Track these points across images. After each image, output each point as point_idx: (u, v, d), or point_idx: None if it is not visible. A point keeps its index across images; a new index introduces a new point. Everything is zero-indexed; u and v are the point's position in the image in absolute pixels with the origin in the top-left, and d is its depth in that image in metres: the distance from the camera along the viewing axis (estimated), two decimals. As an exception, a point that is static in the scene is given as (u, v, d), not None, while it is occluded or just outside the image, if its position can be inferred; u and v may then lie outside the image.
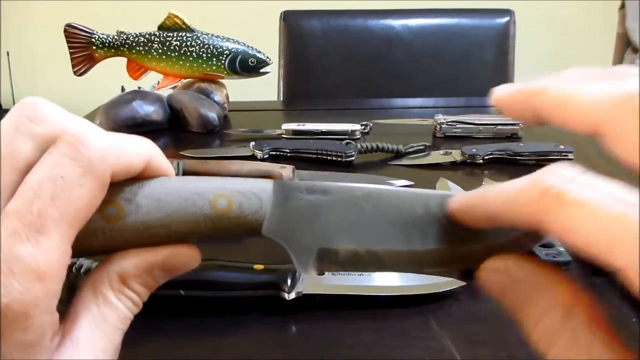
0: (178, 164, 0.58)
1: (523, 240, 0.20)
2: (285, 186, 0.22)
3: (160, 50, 0.84)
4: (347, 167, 0.66)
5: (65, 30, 0.84)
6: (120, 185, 0.21)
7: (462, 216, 0.20)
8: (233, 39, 0.85)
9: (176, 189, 0.21)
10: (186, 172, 0.58)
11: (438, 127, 0.77)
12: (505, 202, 0.17)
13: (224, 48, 0.84)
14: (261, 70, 0.86)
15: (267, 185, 0.22)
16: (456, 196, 0.20)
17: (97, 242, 0.20)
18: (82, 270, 0.37)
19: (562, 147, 0.65)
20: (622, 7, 1.92)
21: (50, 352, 0.18)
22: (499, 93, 0.20)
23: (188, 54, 0.84)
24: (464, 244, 0.21)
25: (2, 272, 0.16)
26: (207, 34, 0.85)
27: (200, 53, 0.84)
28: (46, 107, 0.19)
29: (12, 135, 0.18)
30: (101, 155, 0.19)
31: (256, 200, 0.21)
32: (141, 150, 0.21)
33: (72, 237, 0.18)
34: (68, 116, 0.20)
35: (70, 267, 0.19)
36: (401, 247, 0.21)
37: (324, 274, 0.39)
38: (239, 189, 0.21)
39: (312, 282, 0.38)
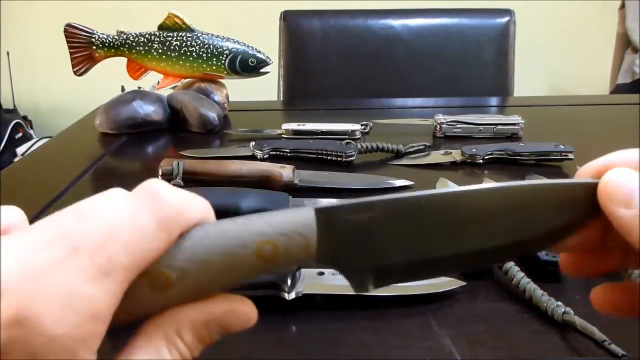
0: (178, 164, 0.58)
1: (578, 223, 0.22)
2: (328, 212, 0.21)
3: (160, 50, 0.84)
4: (347, 167, 0.66)
5: (65, 30, 0.84)
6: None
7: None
8: (233, 39, 0.85)
9: (218, 244, 0.20)
10: (186, 172, 0.58)
11: (438, 127, 0.77)
12: None
13: (224, 48, 0.84)
14: (261, 70, 0.86)
15: (309, 216, 0.20)
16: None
17: (148, 311, 0.20)
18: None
19: (562, 147, 0.65)
20: (622, 7, 1.92)
21: None
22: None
23: (188, 54, 0.84)
24: (524, 234, 0.21)
25: (63, 304, 0.16)
26: (207, 34, 0.85)
27: (200, 53, 0.84)
28: (165, 188, 0.20)
29: (108, 197, 0.19)
30: (177, 214, 0.19)
31: (301, 240, 0.20)
32: (203, 210, 0.21)
33: (127, 286, 0.18)
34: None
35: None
36: (456, 249, 0.21)
37: (323, 273, 0.40)
38: (282, 230, 0.20)
39: (312, 282, 0.38)
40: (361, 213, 0.21)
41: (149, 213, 0.19)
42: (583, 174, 0.23)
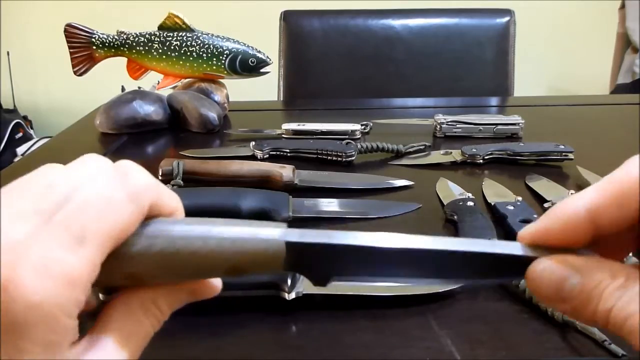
0: (178, 164, 0.58)
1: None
2: (298, 247, 0.22)
3: (160, 50, 0.84)
4: (347, 167, 0.66)
5: (65, 30, 0.84)
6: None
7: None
8: (233, 39, 0.85)
9: (186, 262, 0.21)
10: (186, 172, 0.58)
11: (438, 127, 0.77)
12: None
13: (224, 48, 0.84)
14: (261, 70, 0.86)
15: (279, 246, 0.21)
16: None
17: (112, 278, 0.21)
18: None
19: (562, 147, 0.65)
20: (622, 7, 1.92)
21: (76, 356, 0.19)
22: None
23: (188, 53, 0.84)
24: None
25: (40, 272, 0.17)
26: (207, 34, 0.85)
27: (201, 53, 0.84)
28: (102, 159, 0.22)
29: (72, 170, 0.21)
30: (143, 188, 0.21)
31: (270, 260, 0.22)
32: (172, 201, 0.23)
33: (105, 255, 0.19)
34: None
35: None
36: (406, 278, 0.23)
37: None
38: (251, 260, 0.21)
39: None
40: (328, 249, 0.22)
41: (118, 185, 0.20)
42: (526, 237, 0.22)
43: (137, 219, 0.20)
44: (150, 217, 0.21)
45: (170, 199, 0.23)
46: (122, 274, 0.21)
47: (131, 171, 0.21)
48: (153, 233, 0.21)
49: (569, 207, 0.20)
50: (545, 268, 0.20)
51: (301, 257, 0.22)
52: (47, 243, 0.18)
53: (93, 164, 0.21)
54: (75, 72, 0.86)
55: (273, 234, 0.21)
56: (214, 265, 0.21)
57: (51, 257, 0.18)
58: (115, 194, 0.20)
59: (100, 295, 0.23)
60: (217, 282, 0.24)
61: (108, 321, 0.21)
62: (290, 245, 0.21)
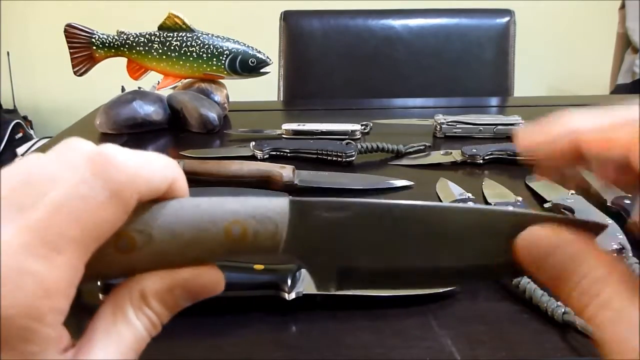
0: (178, 164, 0.58)
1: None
2: (302, 204, 0.21)
3: (160, 51, 0.84)
4: (347, 167, 0.66)
5: (65, 30, 0.84)
6: (132, 215, 0.20)
7: (545, 150, 0.21)
8: (233, 39, 0.85)
9: (189, 217, 0.20)
10: (186, 172, 0.58)
11: (438, 127, 0.77)
12: (600, 132, 0.19)
13: (224, 48, 0.84)
14: (261, 70, 0.86)
15: (282, 205, 0.21)
16: (539, 127, 0.21)
17: (112, 271, 0.20)
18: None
19: (562, 147, 0.65)
20: (622, 7, 1.92)
21: None
22: (524, 138, 0.21)
23: (188, 54, 0.84)
24: (494, 257, 0.21)
25: (12, 284, 0.16)
26: (207, 34, 0.85)
27: (201, 53, 0.84)
28: (84, 142, 0.20)
29: (51, 161, 0.19)
30: (130, 179, 0.18)
31: (271, 225, 0.20)
32: (167, 175, 0.21)
33: (87, 257, 0.18)
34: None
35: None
36: (425, 263, 0.21)
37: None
38: (253, 213, 0.20)
39: (312, 282, 0.38)
40: (335, 211, 0.21)
41: (98, 181, 0.18)
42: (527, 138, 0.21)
43: (122, 215, 0.19)
44: (147, 199, 0.20)
45: (165, 176, 0.20)
46: (113, 269, 0.20)
47: (113, 162, 0.18)
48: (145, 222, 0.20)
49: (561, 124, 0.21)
50: (534, 236, 0.20)
51: (304, 220, 0.20)
52: (19, 252, 0.17)
53: (70, 155, 0.19)
54: (75, 72, 0.86)
55: (279, 199, 0.21)
56: (214, 223, 0.20)
57: (23, 268, 0.17)
58: (94, 191, 0.18)
59: (100, 296, 0.22)
60: (216, 275, 0.21)
61: (96, 322, 0.19)
62: (293, 204, 0.20)
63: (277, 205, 0.20)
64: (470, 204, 0.22)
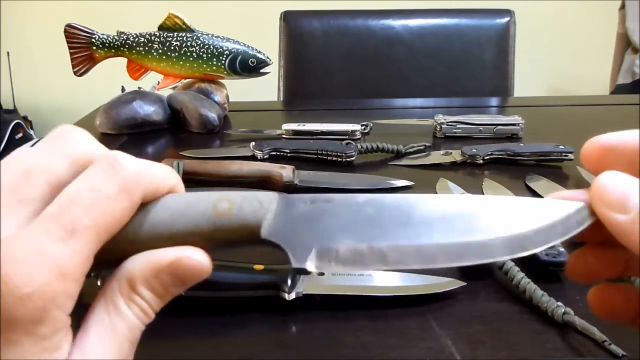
0: (178, 164, 0.58)
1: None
2: (289, 197, 0.23)
3: (160, 51, 0.84)
4: (347, 167, 0.66)
5: (65, 31, 0.84)
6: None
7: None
8: (233, 39, 0.85)
9: (182, 196, 0.22)
10: (186, 172, 0.58)
11: (438, 127, 0.77)
12: None
13: (224, 48, 0.84)
14: (261, 71, 0.86)
15: (271, 195, 0.22)
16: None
17: (114, 261, 0.21)
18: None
19: (562, 147, 0.65)
20: (622, 7, 1.93)
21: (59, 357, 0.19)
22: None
23: (188, 54, 0.84)
24: (476, 238, 0.21)
25: (30, 264, 0.17)
26: (207, 34, 0.85)
27: (201, 53, 0.84)
28: (80, 133, 0.22)
29: (49, 153, 0.20)
30: (135, 177, 0.20)
31: (256, 203, 0.22)
32: (168, 179, 0.22)
33: (97, 247, 0.19)
34: (99, 145, 0.22)
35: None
36: (407, 242, 0.21)
37: (323, 273, 0.39)
38: (243, 195, 0.22)
39: (312, 282, 0.38)
40: (318, 202, 0.22)
41: (107, 176, 0.20)
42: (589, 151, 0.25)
43: (130, 209, 0.20)
44: (149, 200, 0.21)
45: (165, 179, 0.22)
46: (118, 256, 0.21)
47: (120, 160, 0.20)
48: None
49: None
50: (616, 176, 0.22)
51: (289, 207, 0.22)
52: (38, 235, 0.18)
53: (63, 144, 0.21)
54: (75, 73, 0.86)
55: (268, 192, 0.23)
56: (205, 200, 0.21)
57: (42, 249, 0.18)
58: (104, 184, 0.19)
59: None
60: (201, 256, 0.21)
61: (90, 316, 0.20)
62: (282, 196, 0.22)
63: (266, 194, 0.22)
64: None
